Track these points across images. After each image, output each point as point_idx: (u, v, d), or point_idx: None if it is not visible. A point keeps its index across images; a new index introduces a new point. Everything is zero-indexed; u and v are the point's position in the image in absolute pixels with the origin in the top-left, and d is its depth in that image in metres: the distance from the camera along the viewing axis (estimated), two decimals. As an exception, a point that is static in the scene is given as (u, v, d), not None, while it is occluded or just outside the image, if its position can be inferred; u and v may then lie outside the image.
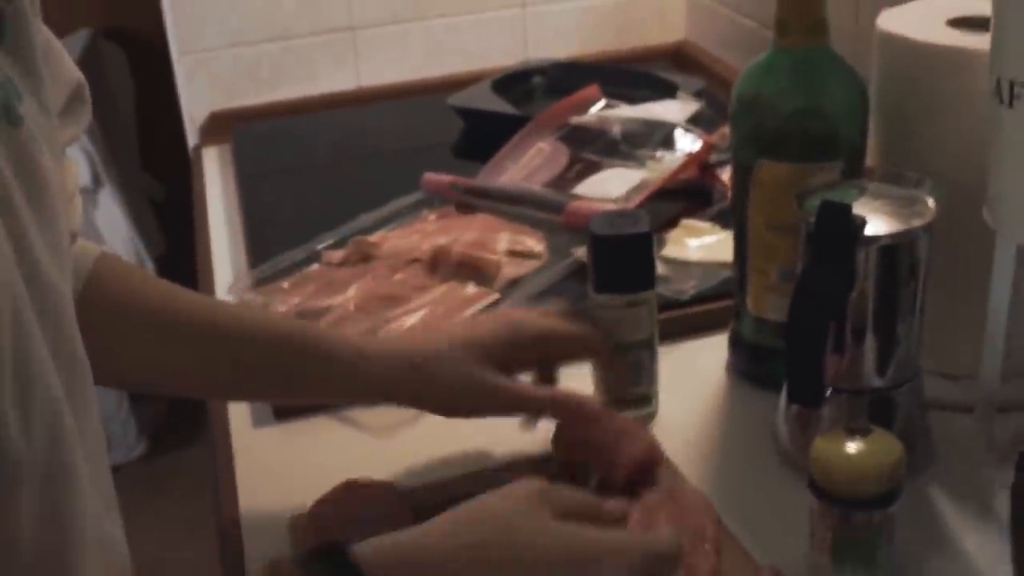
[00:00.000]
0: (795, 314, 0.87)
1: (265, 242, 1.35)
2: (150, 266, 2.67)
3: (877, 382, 0.93)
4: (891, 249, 0.87)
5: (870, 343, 0.91)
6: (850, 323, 0.91)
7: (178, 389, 0.97)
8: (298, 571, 0.65)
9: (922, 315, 0.92)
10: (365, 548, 0.64)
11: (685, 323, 1.15)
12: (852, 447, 0.81)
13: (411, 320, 1.16)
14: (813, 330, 0.87)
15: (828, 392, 0.91)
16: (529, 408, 0.94)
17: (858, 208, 0.86)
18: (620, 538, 0.73)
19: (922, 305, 0.92)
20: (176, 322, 0.89)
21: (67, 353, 0.62)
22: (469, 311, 1.15)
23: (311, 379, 0.91)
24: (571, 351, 0.98)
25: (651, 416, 1.04)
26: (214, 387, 0.96)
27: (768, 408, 0.99)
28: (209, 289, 1.33)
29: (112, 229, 2.60)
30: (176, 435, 2.80)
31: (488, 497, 0.71)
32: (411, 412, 0.99)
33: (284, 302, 1.21)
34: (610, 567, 0.67)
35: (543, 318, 0.96)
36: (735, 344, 1.10)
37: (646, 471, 0.94)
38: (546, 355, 0.96)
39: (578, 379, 1.01)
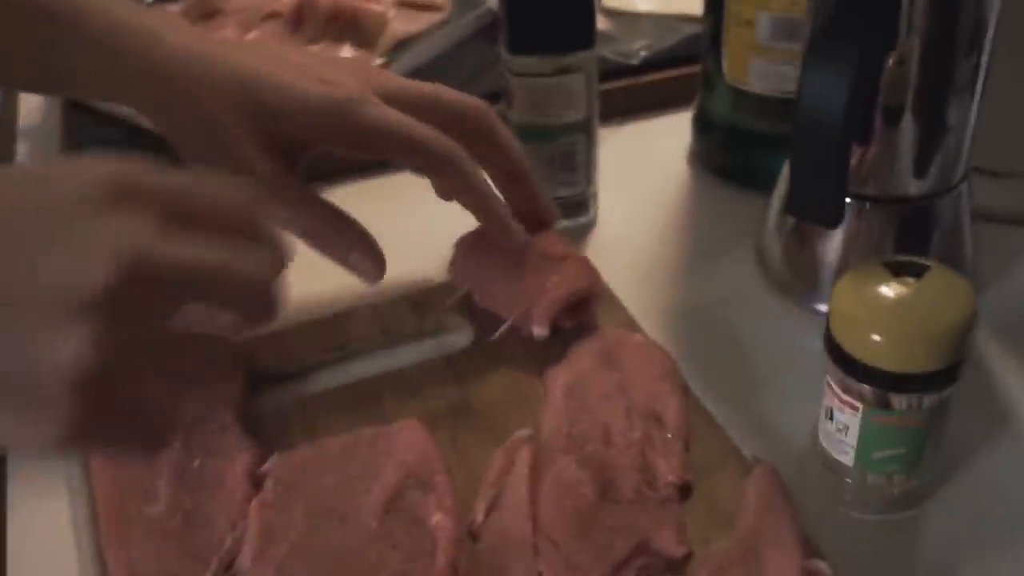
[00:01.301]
0: (808, 88, 0.57)
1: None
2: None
3: (914, 188, 0.66)
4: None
5: (908, 132, 0.64)
6: (882, 101, 0.63)
7: None
8: None
9: (982, 97, 0.65)
10: None
11: (634, 97, 0.92)
12: (897, 293, 0.54)
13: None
14: (834, 113, 0.57)
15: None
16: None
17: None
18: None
19: (985, 82, 0.64)
20: None
21: None
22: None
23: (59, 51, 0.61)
24: (459, 130, 0.64)
25: (587, 228, 0.80)
26: None
27: (750, 215, 0.77)
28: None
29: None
30: None
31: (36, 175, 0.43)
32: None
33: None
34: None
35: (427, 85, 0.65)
36: (702, 126, 0.86)
37: (579, 311, 0.67)
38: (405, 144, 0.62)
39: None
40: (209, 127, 0.60)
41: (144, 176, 0.42)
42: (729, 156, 0.84)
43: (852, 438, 0.56)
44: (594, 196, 0.79)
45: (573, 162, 0.76)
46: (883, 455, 0.56)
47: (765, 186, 0.75)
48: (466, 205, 0.64)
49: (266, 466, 0.59)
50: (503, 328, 0.65)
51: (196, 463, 0.60)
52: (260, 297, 0.45)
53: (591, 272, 0.67)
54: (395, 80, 0.64)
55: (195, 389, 0.44)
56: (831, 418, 0.57)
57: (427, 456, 0.59)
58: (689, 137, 0.87)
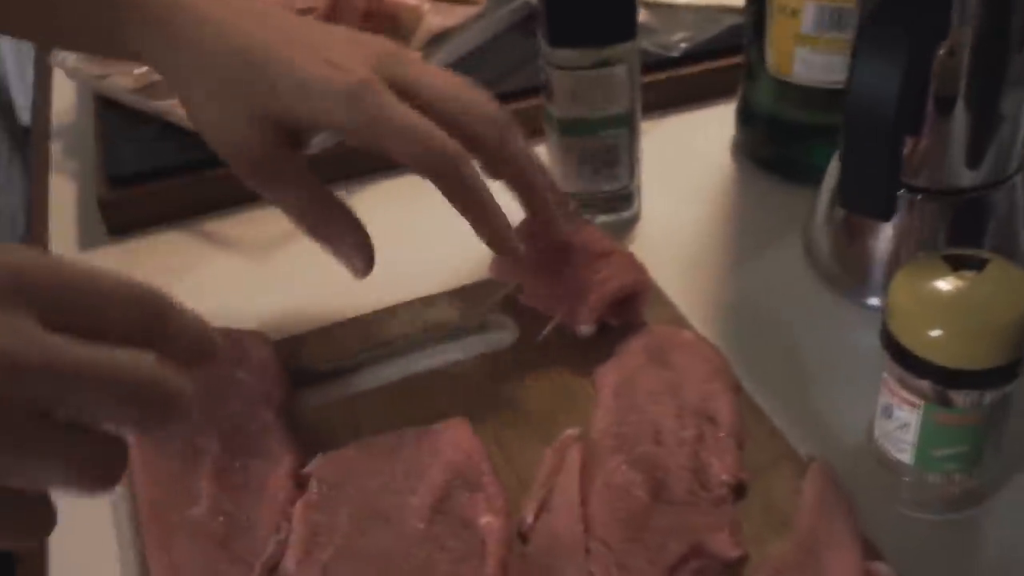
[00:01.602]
0: (860, 78, 0.56)
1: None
2: None
3: (967, 179, 0.64)
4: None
5: (961, 122, 0.62)
6: (934, 91, 0.61)
7: None
8: None
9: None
10: None
11: (675, 89, 0.89)
12: (957, 286, 0.52)
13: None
14: (886, 103, 0.55)
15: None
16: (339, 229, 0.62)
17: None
18: None
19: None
20: None
21: None
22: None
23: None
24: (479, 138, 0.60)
25: (630, 222, 0.77)
26: None
27: (796, 208, 0.75)
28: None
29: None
30: None
31: None
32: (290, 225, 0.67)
33: (125, 73, 0.88)
34: None
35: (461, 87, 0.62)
36: (746, 118, 0.84)
37: (626, 308, 0.66)
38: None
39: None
40: (213, 99, 0.59)
41: (32, 272, 0.39)
42: (773, 148, 0.82)
43: (911, 435, 0.54)
44: (638, 190, 0.77)
45: (616, 156, 0.74)
46: (943, 453, 0.54)
47: (811, 178, 0.73)
48: (465, 212, 0.60)
49: (309, 467, 0.58)
50: (549, 326, 0.64)
51: (238, 464, 0.59)
52: (152, 399, 0.39)
53: (637, 267, 0.65)
54: (414, 68, 0.60)
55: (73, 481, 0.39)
56: (889, 415, 0.55)
57: (474, 456, 0.57)
58: (732, 129, 0.85)
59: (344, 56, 0.59)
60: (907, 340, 0.52)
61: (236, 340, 0.64)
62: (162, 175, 0.81)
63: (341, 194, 0.62)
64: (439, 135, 0.57)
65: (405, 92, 0.58)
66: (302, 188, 0.60)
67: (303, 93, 0.57)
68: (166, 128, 0.83)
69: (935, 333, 0.51)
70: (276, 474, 0.58)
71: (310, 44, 0.59)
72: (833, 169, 0.70)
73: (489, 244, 0.61)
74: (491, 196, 0.60)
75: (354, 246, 0.61)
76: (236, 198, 0.79)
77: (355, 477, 0.57)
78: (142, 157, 0.82)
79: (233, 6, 0.61)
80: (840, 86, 0.63)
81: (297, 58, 0.58)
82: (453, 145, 0.57)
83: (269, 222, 0.74)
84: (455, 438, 0.58)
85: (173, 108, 0.82)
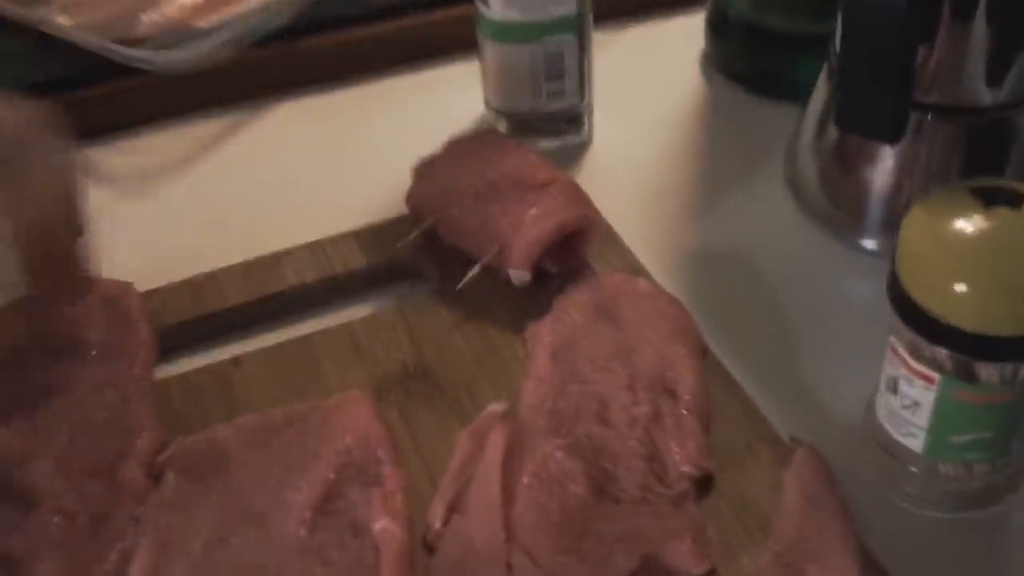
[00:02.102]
0: None
1: None
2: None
3: (987, 97, 0.54)
4: None
5: (981, 31, 0.52)
6: None
7: None
8: None
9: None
10: None
11: None
12: (988, 228, 0.41)
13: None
14: (896, 3, 0.44)
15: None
16: None
17: None
18: None
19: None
20: None
21: None
22: None
23: None
24: None
25: (579, 149, 0.68)
26: None
27: (778, 131, 0.65)
28: None
29: None
30: None
31: None
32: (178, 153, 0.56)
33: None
34: None
35: None
36: (718, 26, 0.75)
37: (568, 251, 0.55)
38: None
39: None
40: None
41: None
42: (751, 60, 0.72)
43: (923, 417, 0.44)
44: (588, 110, 0.67)
45: (561, 67, 0.63)
46: (963, 440, 0.44)
47: (795, 95, 0.64)
48: None
49: (165, 454, 0.46)
50: (472, 272, 0.53)
51: (86, 444, 0.47)
52: None
53: (583, 200, 0.54)
54: None
55: None
56: (895, 391, 0.44)
57: (372, 439, 0.47)
58: (702, 40, 0.76)
59: None
60: (922, 296, 0.41)
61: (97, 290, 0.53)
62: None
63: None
64: None
65: None
66: None
67: None
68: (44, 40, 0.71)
69: (960, 288, 0.40)
70: (127, 461, 0.47)
71: None
72: (822, 84, 0.60)
73: None
74: None
75: None
76: (112, 123, 0.69)
77: (221, 468, 0.47)
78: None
79: None
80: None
81: None
82: None
83: (151, 151, 0.62)
84: (350, 416, 0.47)
85: (48, 16, 0.70)
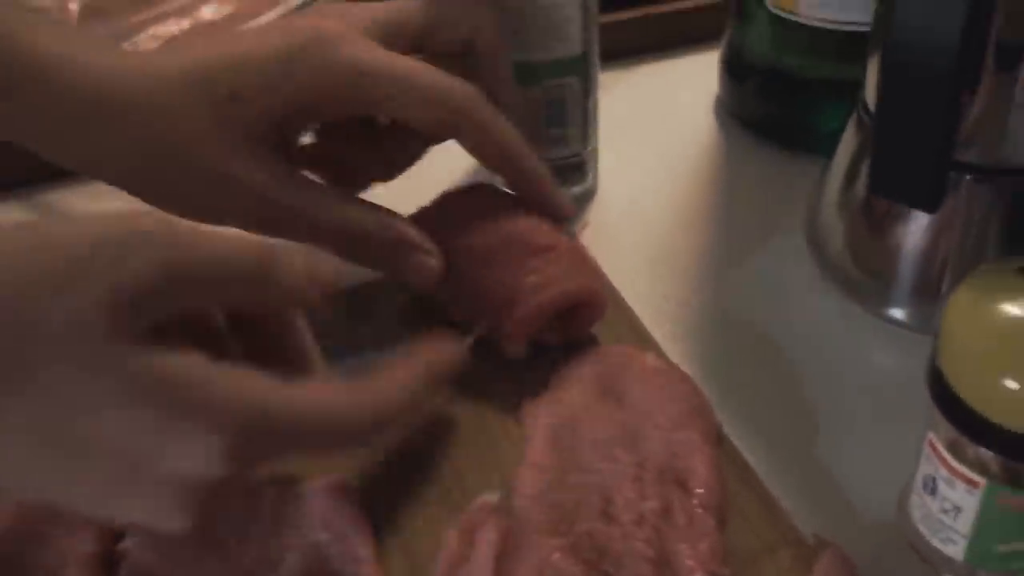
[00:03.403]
0: (905, 13, 0.41)
1: None
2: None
3: None
4: None
5: None
6: (994, 43, 0.46)
7: None
8: None
9: None
10: None
11: (647, 31, 0.76)
12: None
13: (173, 27, 0.73)
14: (944, 49, 0.40)
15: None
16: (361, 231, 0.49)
17: None
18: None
19: None
20: None
21: None
22: (269, 14, 0.73)
23: None
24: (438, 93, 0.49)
25: (583, 200, 0.63)
26: None
27: (798, 185, 0.61)
28: None
29: None
30: None
31: None
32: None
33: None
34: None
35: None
36: (734, 68, 0.70)
37: (570, 322, 0.50)
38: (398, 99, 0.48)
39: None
40: (161, 154, 0.46)
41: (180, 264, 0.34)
42: (769, 107, 0.68)
43: (965, 524, 0.39)
44: (593, 157, 0.62)
45: (563, 112, 0.59)
46: (1009, 548, 0.39)
47: (818, 146, 0.60)
48: (498, 166, 0.50)
49: (124, 543, 0.42)
50: (464, 344, 0.47)
51: (29, 533, 0.43)
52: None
53: (587, 269, 0.49)
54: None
55: None
56: (933, 492, 0.40)
57: (350, 534, 0.42)
58: (716, 83, 0.72)
59: (306, 22, 0.48)
60: (966, 390, 0.37)
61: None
62: None
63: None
64: (441, 72, 0.48)
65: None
66: (328, 212, 0.48)
67: (257, 69, 0.46)
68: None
69: (1010, 384, 0.35)
70: (78, 551, 0.42)
71: (259, 31, 0.50)
72: (849, 136, 0.54)
73: (540, 201, 0.51)
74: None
75: (419, 256, 0.49)
76: None
77: (182, 561, 0.41)
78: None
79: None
80: (862, 28, 0.53)
81: (243, 46, 0.47)
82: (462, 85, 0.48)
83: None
84: (325, 507, 0.42)
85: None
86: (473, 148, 0.50)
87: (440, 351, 0.43)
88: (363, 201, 0.49)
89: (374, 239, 0.48)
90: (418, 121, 0.48)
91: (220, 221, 0.47)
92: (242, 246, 0.37)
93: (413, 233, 0.49)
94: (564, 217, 0.51)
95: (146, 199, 0.48)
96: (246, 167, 0.46)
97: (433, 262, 0.49)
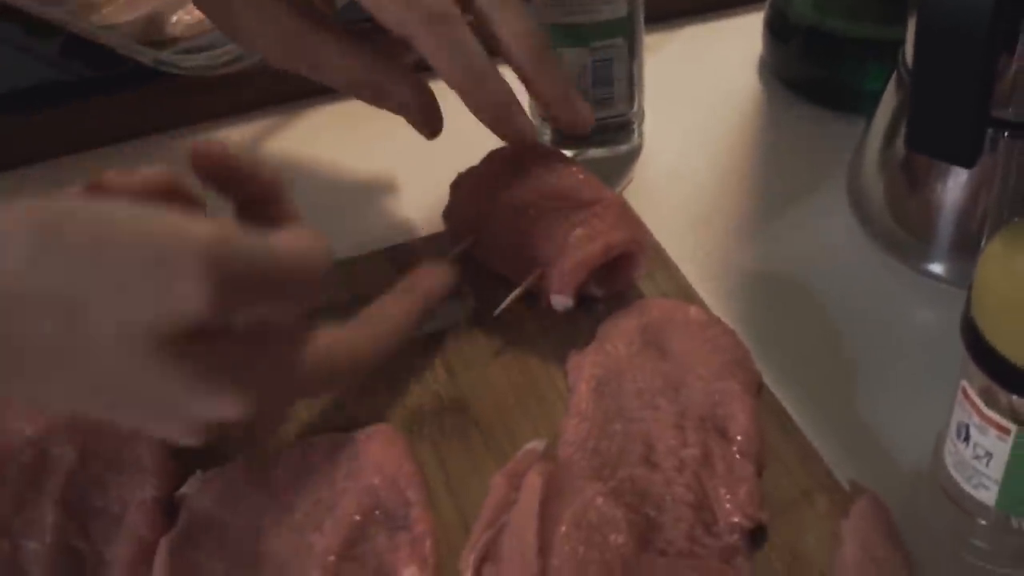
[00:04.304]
0: None
1: None
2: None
3: None
4: None
5: None
6: None
7: None
8: None
9: None
10: None
11: None
12: None
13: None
14: (979, 8, 0.40)
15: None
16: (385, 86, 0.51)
17: None
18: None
19: None
20: None
21: None
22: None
23: None
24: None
25: (628, 159, 0.63)
26: None
27: (840, 144, 0.61)
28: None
29: None
30: None
31: None
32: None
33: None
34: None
35: None
36: (778, 29, 0.70)
37: (614, 275, 0.51)
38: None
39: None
40: None
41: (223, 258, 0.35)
42: (812, 67, 0.68)
43: (996, 469, 0.40)
44: (639, 118, 0.63)
45: (610, 73, 0.60)
46: (1042, 494, 0.40)
47: (859, 106, 0.60)
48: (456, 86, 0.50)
49: (183, 489, 0.44)
50: (511, 298, 0.49)
51: (95, 480, 0.45)
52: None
53: (631, 221, 0.50)
54: None
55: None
56: (966, 439, 0.40)
57: (401, 479, 0.43)
58: (759, 44, 0.71)
59: None
60: (1000, 339, 0.38)
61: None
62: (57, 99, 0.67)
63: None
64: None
65: None
66: (348, 58, 0.50)
67: None
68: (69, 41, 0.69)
69: (1043, 331, 0.36)
70: (139, 498, 0.44)
71: None
72: (890, 94, 0.55)
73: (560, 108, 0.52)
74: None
75: (422, 103, 0.51)
76: (136, 128, 0.67)
77: (240, 507, 0.43)
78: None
79: None
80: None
81: None
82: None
83: (176, 159, 0.60)
84: (379, 452, 0.44)
85: (75, 17, 0.67)
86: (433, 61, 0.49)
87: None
88: (372, 52, 0.52)
89: (382, 85, 0.51)
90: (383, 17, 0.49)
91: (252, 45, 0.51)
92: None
93: (415, 86, 0.51)
94: (583, 122, 0.53)
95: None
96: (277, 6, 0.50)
97: (433, 122, 0.51)
